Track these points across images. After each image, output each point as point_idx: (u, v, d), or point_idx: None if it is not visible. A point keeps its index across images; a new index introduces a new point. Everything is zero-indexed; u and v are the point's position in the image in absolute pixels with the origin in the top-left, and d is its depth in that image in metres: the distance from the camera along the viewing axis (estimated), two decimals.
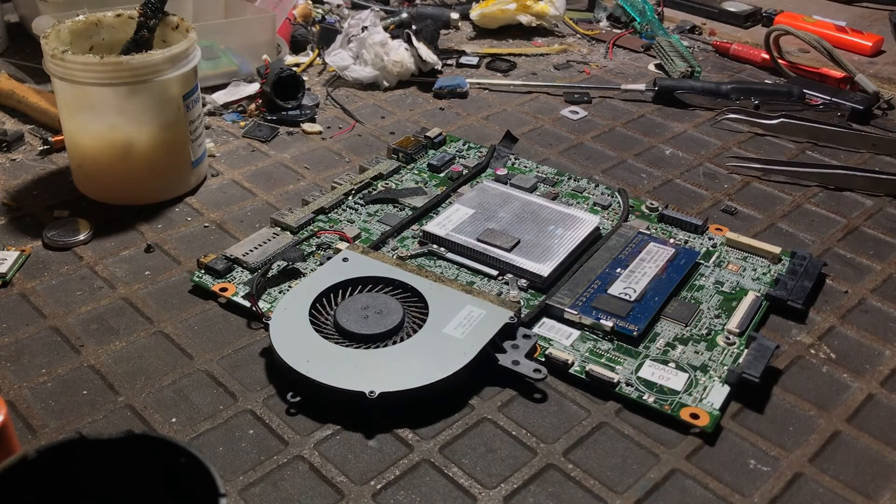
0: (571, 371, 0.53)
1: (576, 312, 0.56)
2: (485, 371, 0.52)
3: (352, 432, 0.49)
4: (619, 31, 1.10)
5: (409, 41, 0.92)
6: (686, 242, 0.66)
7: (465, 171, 0.74)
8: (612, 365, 0.53)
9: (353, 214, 0.68)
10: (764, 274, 0.62)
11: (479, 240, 0.62)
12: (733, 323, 0.56)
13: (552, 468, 0.47)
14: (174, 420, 0.49)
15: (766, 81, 0.96)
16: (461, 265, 0.62)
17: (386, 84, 0.92)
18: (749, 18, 1.15)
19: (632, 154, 0.80)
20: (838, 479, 0.47)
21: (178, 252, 0.64)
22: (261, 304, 0.57)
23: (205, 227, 0.67)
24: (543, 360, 0.53)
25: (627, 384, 0.52)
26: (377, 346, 0.53)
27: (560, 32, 1.10)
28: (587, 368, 0.52)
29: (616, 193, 0.72)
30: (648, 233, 0.65)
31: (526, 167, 0.76)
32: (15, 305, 0.58)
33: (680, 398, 0.51)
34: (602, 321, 0.56)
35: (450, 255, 0.63)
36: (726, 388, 0.51)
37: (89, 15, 0.71)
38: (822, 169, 0.77)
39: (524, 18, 1.06)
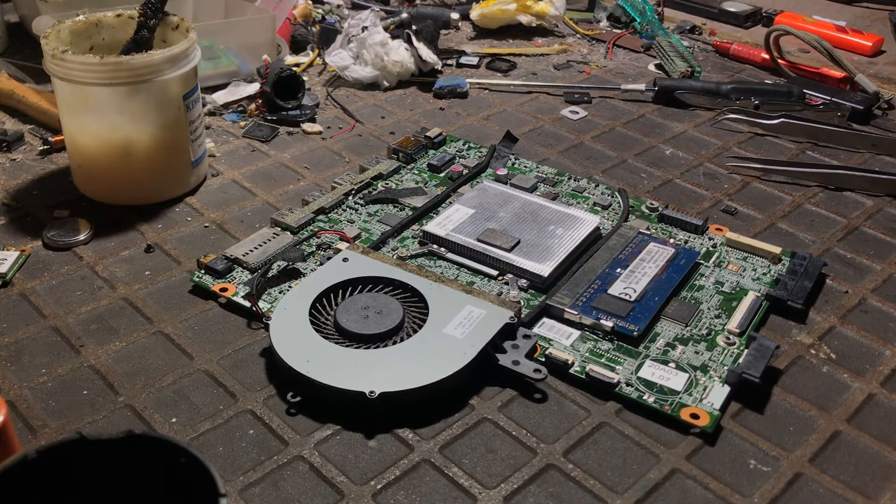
0: (571, 371, 0.53)
1: (576, 312, 0.56)
2: (485, 371, 0.52)
3: (352, 432, 0.49)
4: (619, 31, 1.10)
5: (409, 41, 0.92)
6: (686, 242, 0.66)
7: (465, 171, 0.74)
8: (612, 365, 0.53)
9: (353, 214, 0.68)
10: (764, 274, 0.62)
11: (479, 240, 0.62)
12: (733, 323, 0.56)
13: (552, 468, 0.47)
14: (174, 420, 0.49)
15: (766, 81, 0.96)
16: (461, 265, 0.62)
17: (386, 84, 0.92)
18: (749, 18, 1.15)
19: (632, 154, 0.80)
20: (838, 480, 0.47)
21: (178, 252, 0.64)
22: (261, 304, 0.57)
23: (205, 227, 0.67)
24: (543, 360, 0.53)
25: (627, 384, 0.52)
26: (377, 346, 0.53)
27: (560, 32, 1.09)
28: (587, 368, 0.52)
29: (616, 193, 0.72)
30: (648, 233, 0.65)
31: (526, 167, 0.76)
32: (15, 305, 0.58)
33: (680, 398, 0.51)
34: (602, 321, 0.56)
35: (450, 255, 0.63)
36: (726, 388, 0.51)
37: (89, 15, 0.71)
38: (822, 169, 0.77)
39: (524, 18, 1.06)
